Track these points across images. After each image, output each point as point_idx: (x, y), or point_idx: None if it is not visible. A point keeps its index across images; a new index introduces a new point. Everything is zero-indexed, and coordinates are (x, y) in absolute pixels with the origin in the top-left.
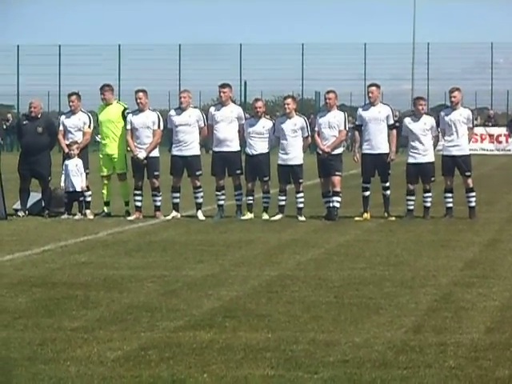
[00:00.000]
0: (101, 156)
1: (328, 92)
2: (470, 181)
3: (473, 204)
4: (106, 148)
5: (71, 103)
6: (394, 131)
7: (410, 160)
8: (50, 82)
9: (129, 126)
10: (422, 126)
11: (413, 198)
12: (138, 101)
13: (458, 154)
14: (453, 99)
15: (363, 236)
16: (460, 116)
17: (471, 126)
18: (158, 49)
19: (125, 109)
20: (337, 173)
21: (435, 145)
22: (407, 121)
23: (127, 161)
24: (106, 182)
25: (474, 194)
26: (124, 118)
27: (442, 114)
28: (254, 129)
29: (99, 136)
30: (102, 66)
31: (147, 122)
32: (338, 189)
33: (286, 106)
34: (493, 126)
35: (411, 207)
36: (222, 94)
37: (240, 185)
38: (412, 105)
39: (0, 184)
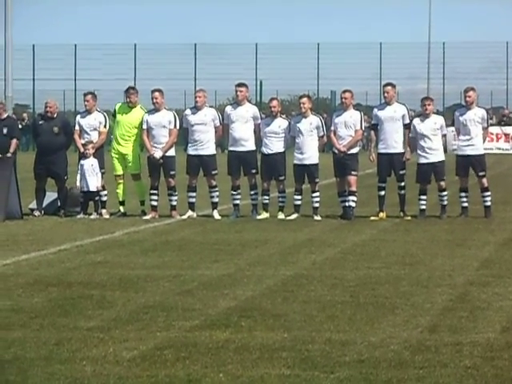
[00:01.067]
0: (114, 155)
1: (344, 91)
2: (484, 180)
3: (488, 203)
4: (120, 148)
5: (87, 103)
6: (409, 131)
7: (421, 160)
8: (66, 81)
9: (145, 126)
10: (432, 126)
11: (425, 197)
12: (154, 100)
13: (472, 154)
14: (468, 99)
15: (379, 235)
16: (475, 116)
17: (486, 125)
18: (174, 48)
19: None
20: (353, 172)
21: (445, 144)
22: (416, 121)
23: (141, 161)
24: (120, 181)
25: (489, 193)
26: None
27: (457, 113)
28: (269, 128)
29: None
30: (117, 66)
31: (163, 122)
32: (354, 188)
33: (302, 105)
34: (506, 124)
35: (423, 207)
36: (238, 93)
37: (255, 184)
38: (420, 105)
39: (16, 183)
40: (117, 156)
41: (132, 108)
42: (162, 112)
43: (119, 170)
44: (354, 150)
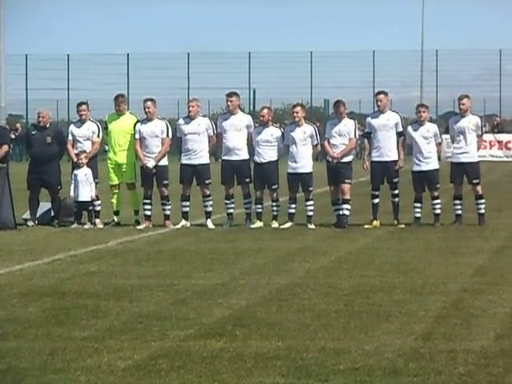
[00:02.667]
0: (109, 165)
1: (337, 102)
2: (478, 188)
3: (482, 211)
4: (115, 157)
5: (83, 112)
6: (403, 138)
7: (415, 168)
8: (59, 91)
9: (137, 136)
10: (425, 134)
11: (419, 205)
12: (147, 110)
13: (466, 161)
14: (461, 106)
15: (373, 243)
16: (469, 123)
17: (480, 133)
18: (167, 57)
19: (137, 121)
20: (346, 180)
21: (438, 152)
22: (410, 128)
23: (136, 170)
24: (115, 191)
25: (483, 200)
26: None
27: (451, 121)
28: (261, 137)
29: (106, 146)
30: (110, 75)
31: (156, 131)
32: (347, 196)
33: (295, 114)
34: (500, 132)
35: (418, 215)
36: (229, 102)
37: (249, 193)
38: (415, 113)
39: (9, 193)
40: (112, 166)
41: (121, 115)
42: (154, 121)
43: (115, 180)
44: (348, 159)
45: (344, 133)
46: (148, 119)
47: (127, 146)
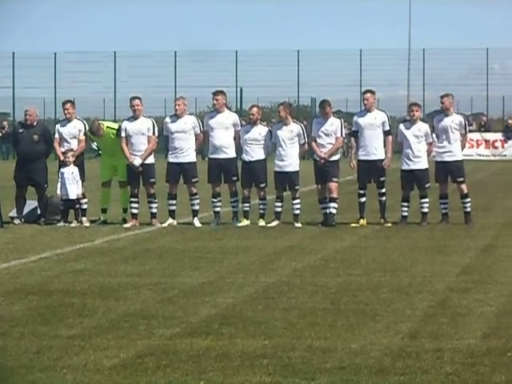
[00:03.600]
0: (102, 163)
1: (323, 102)
2: (463, 186)
3: (468, 209)
4: (109, 155)
5: (67, 111)
6: (390, 137)
7: (404, 167)
8: (46, 89)
9: (123, 134)
10: (416, 133)
11: (407, 204)
12: (134, 108)
13: (450, 160)
14: (442, 105)
15: (359, 242)
16: (452, 122)
17: (464, 132)
18: (154, 55)
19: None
20: (334, 179)
21: (429, 152)
22: (402, 127)
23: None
24: (105, 188)
25: (468, 199)
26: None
27: (435, 120)
28: (249, 135)
29: (95, 143)
30: (97, 73)
31: (142, 129)
32: (334, 195)
33: (278, 113)
34: (486, 131)
35: (405, 213)
36: (215, 101)
37: (236, 191)
38: (407, 111)
39: None
40: (106, 164)
41: (136, 119)
42: (140, 119)
43: (106, 177)
44: (335, 157)
45: (330, 132)
46: (134, 117)
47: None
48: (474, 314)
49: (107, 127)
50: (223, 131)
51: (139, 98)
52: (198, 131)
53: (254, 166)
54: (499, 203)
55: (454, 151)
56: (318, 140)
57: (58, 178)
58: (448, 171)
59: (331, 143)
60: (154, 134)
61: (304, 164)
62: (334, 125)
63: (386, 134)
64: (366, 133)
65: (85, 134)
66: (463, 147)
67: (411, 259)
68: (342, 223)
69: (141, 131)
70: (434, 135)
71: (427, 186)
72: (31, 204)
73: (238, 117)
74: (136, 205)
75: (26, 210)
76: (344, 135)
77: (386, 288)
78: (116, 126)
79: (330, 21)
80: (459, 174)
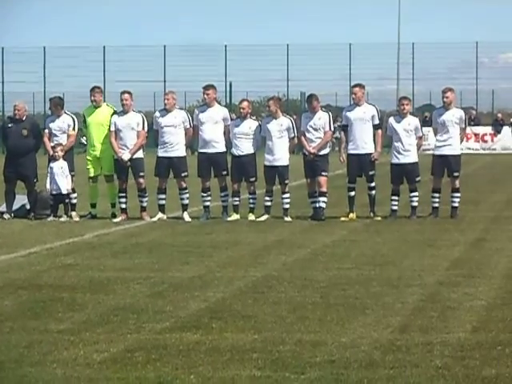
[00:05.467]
0: (88, 158)
1: (310, 96)
2: (457, 181)
3: (456, 204)
4: (94, 150)
5: (53, 108)
6: (380, 131)
7: (393, 160)
8: (35, 84)
9: (113, 128)
10: (406, 127)
11: (397, 198)
12: (124, 102)
13: (449, 154)
14: (445, 99)
15: (349, 236)
16: (453, 116)
17: (463, 126)
18: (143, 50)
19: (114, 112)
20: (323, 173)
21: (419, 146)
22: (391, 120)
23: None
24: (93, 183)
25: (458, 194)
26: None
27: (435, 113)
28: (239, 129)
29: (84, 138)
30: (86, 68)
31: (131, 124)
32: (324, 189)
33: (268, 107)
34: (475, 125)
35: (395, 207)
36: (205, 95)
37: (226, 186)
38: (397, 105)
39: None
40: (91, 158)
41: (97, 108)
42: (130, 114)
43: (93, 172)
44: (324, 151)
45: (319, 127)
46: (124, 111)
47: (106, 138)
48: (464, 307)
49: (107, 105)
50: (213, 125)
51: (129, 93)
52: (188, 125)
53: (243, 160)
54: (488, 197)
55: (453, 145)
56: (306, 134)
57: (47, 173)
58: (445, 165)
59: (320, 137)
60: (143, 128)
61: (294, 158)
62: (322, 119)
63: (376, 127)
64: (356, 127)
65: (74, 128)
66: (461, 141)
67: (401, 253)
68: (331, 217)
69: (130, 126)
70: (427, 129)
71: (417, 179)
72: (21, 199)
73: (228, 111)
74: (124, 199)
75: (15, 205)
76: (332, 129)
77: (376, 282)
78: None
79: (319, 15)
80: (456, 169)
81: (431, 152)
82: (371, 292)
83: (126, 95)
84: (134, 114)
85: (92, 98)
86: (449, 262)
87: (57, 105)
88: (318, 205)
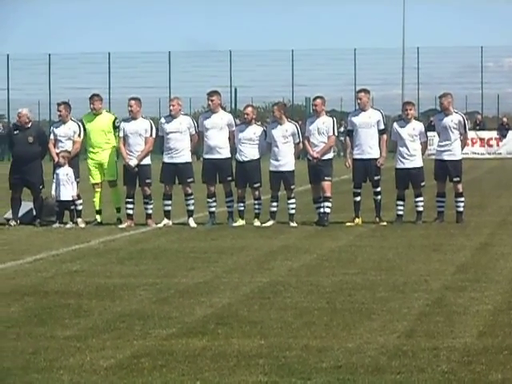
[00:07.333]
0: (90, 164)
1: (315, 98)
2: (459, 186)
3: (461, 209)
4: (95, 156)
5: (59, 113)
6: (385, 136)
7: (398, 165)
8: (41, 91)
9: (121, 134)
10: (411, 132)
11: (402, 203)
12: (129, 108)
13: (448, 159)
14: (441, 106)
15: (355, 241)
16: (451, 122)
17: (464, 131)
18: (148, 56)
19: (115, 118)
20: (326, 178)
21: (423, 151)
22: (395, 125)
23: (118, 168)
24: (97, 190)
25: (462, 199)
26: (114, 127)
27: (436, 118)
28: (244, 135)
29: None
30: (92, 75)
31: (139, 130)
32: (328, 194)
33: (272, 113)
34: (481, 129)
35: (401, 212)
36: (210, 102)
37: (231, 191)
38: (401, 110)
39: None
40: (93, 164)
41: (97, 115)
42: (138, 120)
43: (96, 179)
44: (328, 156)
45: (323, 131)
46: (132, 118)
47: (106, 144)
48: (470, 312)
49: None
50: (218, 131)
51: (136, 99)
52: (193, 131)
53: (247, 165)
54: (494, 201)
55: (452, 150)
56: (310, 139)
57: (52, 179)
58: (446, 170)
59: (324, 142)
60: (151, 135)
61: (299, 164)
62: (325, 123)
63: (381, 132)
64: (361, 132)
65: (79, 135)
66: (463, 147)
67: (407, 258)
68: (337, 222)
69: (137, 132)
70: (432, 134)
71: (422, 184)
72: (26, 205)
73: (233, 117)
74: (131, 205)
75: (21, 212)
76: (336, 134)
77: (382, 287)
78: (113, 117)
79: (324, 20)
80: (456, 174)
81: (434, 157)
82: (377, 297)
83: (132, 102)
84: (142, 121)
85: (91, 105)
86: (455, 267)
87: (67, 108)
88: (322, 210)
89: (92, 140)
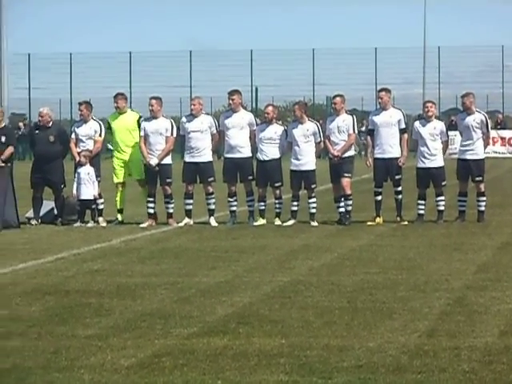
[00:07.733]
0: (115, 163)
1: (334, 97)
2: (481, 186)
3: (482, 208)
4: (121, 155)
5: (81, 112)
6: (406, 135)
7: (419, 164)
8: (62, 90)
9: (142, 133)
10: (432, 131)
11: (423, 202)
12: (150, 108)
13: (471, 159)
14: (463, 105)
15: (376, 240)
16: (473, 121)
17: (486, 130)
18: (169, 55)
19: (140, 117)
20: (346, 174)
21: (444, 150)
22: (417, 124)
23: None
24: (120, 189)
25: (484, 198)
26: (139, 126)
27: (458, 118)
28: (264, 134)
29: (110, 144)
30: (113, 74)
31: (160, 129)
32: (348, 191)
33: (293, 113)
34: (502, 128)
35: (422, 211)
36: (231, 101)
37: (252, 191)
38: (422, 109)
39: (13, 192)
40: (119, 163)
41: (122, 114)
42: (159, 119)
43: (120, 178)
44: (349, 153)
45: (343, 129)
46: (153, 117)
47: (132, 143)
48: (491, 311)
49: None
50: (239, 131)
51: (157, 98)
52: (214, 131)
53: (268, 165)
54: None
55: (475, 150)
56: (331, 137)
57: (74, 179)
58: (468, 169)
59: (344, 140)
60: (172, 134)
61: (320, 163)
62: (345, 121)
63: (402, 131)
64: (382, 131)
65: (100, 134)
66: (486, 146)
67: (428, 257)
68: (357, 222)
69: (158, 131)
70: (454, 133)
71: (443, 183)
72: (48, 204)
73: (254, 116)
74: (152, 204)
75: (42, 211)
76: (356, 131)
77: (403, 286)
78: (137, 116)
79: (345, 20)
80: (478, 174)
81: (457, 156)
82: (398, 296)
83: (153, 101)
84: (163, 120)
85: (115, 104)
86: (476, 266)
87: (88, 108)
88: (343, 208)
89: (117, 139)
